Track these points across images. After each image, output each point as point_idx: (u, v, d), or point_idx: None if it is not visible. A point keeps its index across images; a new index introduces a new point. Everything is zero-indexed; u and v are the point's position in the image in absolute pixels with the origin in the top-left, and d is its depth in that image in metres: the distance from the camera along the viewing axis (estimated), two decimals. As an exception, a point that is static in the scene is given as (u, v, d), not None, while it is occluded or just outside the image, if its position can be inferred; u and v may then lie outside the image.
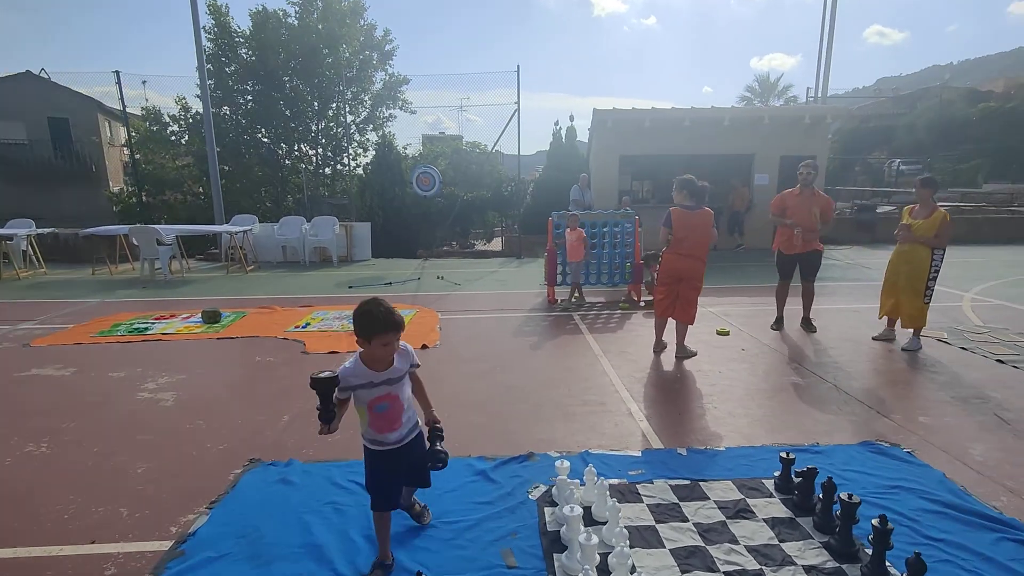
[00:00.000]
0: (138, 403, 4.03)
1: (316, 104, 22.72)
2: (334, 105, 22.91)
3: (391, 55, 24.25)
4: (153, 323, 6.40)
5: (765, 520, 2.53)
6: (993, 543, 2.32)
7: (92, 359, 5.06)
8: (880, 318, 5.42)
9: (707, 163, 13.11)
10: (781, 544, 2.36)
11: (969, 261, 10.56)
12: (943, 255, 4.97)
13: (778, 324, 5.88)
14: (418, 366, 2.30)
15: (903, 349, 5.04)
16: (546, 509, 2.65)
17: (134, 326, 6.25)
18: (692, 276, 4.81)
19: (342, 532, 2.52)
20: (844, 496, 2.28)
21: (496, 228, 19.34)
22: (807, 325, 5.78)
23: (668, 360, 4.92)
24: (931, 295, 5.02)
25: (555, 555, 2.33)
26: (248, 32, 21.44)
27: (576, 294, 7.34)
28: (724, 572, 2.20)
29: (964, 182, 24.84)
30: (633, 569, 2.17)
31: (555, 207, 9.50)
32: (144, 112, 21.11)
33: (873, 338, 5.41)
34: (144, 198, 18.79)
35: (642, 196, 15.12)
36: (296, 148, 23.41)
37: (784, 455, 2.75)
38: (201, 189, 21.22)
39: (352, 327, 2.11)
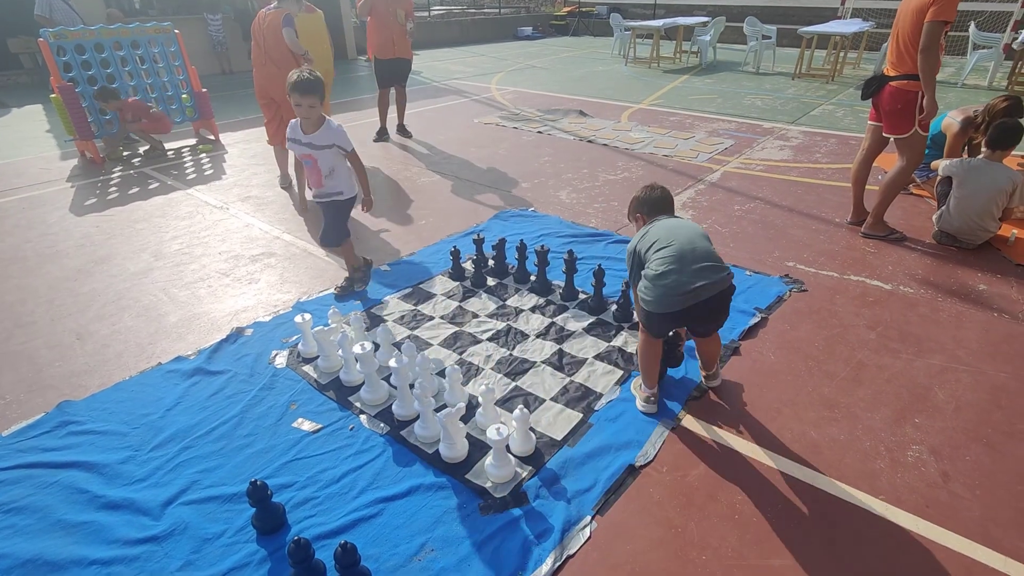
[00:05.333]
0: None
1: None
2: None
3: None
4: None
5: (485, 292, 3.03)
6: (604, 247, 3.48)
7: None
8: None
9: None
10: (505, 302, 2.92)
11: (478, 58, 12.71)
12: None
13: (382, 134, 6.04)
14: (351, 151, 2.80)
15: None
16: (305, 368, 2.46)
17: None
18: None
19: (58, 525, 1.78)
20: (538, 248, 2.93)
21: None
22: (403, 132, 6.19)
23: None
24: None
25: (349, 398, 2.28)
26: None
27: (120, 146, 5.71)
28: (487, 339, 2.63)
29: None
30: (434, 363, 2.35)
31: None
32: None
33: (374, 140, 5.98)
34: None
35: (138, 7, 11.64)
36: None
37: (477, 236, 3.22)
38: None
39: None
